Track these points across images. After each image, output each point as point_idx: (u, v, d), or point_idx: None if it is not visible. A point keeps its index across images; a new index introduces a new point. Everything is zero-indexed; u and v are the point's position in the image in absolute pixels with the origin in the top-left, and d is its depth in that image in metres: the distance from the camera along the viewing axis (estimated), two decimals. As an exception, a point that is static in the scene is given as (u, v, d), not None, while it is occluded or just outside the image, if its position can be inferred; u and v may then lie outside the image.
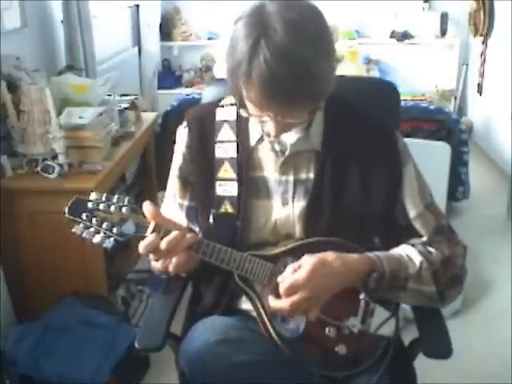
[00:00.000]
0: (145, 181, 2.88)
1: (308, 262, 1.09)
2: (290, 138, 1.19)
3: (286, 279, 1.09)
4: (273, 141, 1.20)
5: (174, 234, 1.10)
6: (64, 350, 1.89)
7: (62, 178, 1.98)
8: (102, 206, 1.12)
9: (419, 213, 1.21)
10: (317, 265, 1.09)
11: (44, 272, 2.07)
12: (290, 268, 1.11)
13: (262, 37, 0.99)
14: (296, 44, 0.99)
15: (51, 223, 1.95)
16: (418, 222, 1.22)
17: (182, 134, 1.29)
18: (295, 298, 1.07)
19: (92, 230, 1.12)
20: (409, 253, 1.19)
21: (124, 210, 1.12)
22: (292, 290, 1.08)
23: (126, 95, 2.72)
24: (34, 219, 2.01)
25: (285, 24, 1.00)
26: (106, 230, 1.12)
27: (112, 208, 1.12)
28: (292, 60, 0.99)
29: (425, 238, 1.21)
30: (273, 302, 1.11)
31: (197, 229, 1.28)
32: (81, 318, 1.98)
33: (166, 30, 4.88)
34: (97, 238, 1.12)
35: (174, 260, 1.13)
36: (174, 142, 1.31)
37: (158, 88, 4.72)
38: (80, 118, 2.06)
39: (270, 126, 1.10)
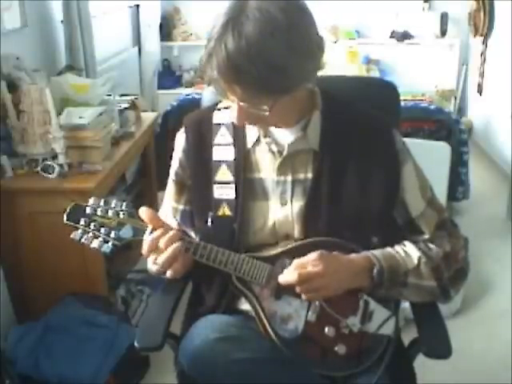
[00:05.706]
0: (145, 181, 2.88)
1: (315, 252, 1.11)
2: (288, 138, 1.19)
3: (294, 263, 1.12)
4: (270, 142, 1.20)
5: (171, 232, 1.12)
6: (64, 350, 1.89)
7: (62, 178, 1.98)
8: (99, 211, 1.14)
9: (421, 211, 1.22)
10: (324, 253, 1.11)
11: (44, 272, 2.07)
12: (295, 261, 1.12)
13: (233, 21, 1.00)
14: (262, 35, 0.99)
15: (51, 223, 1.95)
16: (421, 220, 1.22)
17: (180, 138, 1.29)
18: (304, 271, 1.09)
19: (90, 235, 1.13)
20: (407, 249, 1.20)
21: (122, 214, 1.13)
22: (302, 265, 1.10)
23: (126, 95, 2.72)
24: (34, 219, 2.00)
25: (258, 14, 1.00)
26: (104, 234, 1.13)
27: (110, 213, 1.13)
28: (252, 50, 0.99)
29: (427, 236, 1.22)
30: (281, 277, 1.12)
31: (191, 233, 1.28)
32: (81, 318, 1.98)
33: (166, 29, 4.88)
34: (95, 243, 1.13)
35: (163, 255, 1.13)
36: (174, 142, 1.31)
37: (158, 88, 4.72)
38: (80, 117, 2.06)
39: (233, 111, 1.11)
